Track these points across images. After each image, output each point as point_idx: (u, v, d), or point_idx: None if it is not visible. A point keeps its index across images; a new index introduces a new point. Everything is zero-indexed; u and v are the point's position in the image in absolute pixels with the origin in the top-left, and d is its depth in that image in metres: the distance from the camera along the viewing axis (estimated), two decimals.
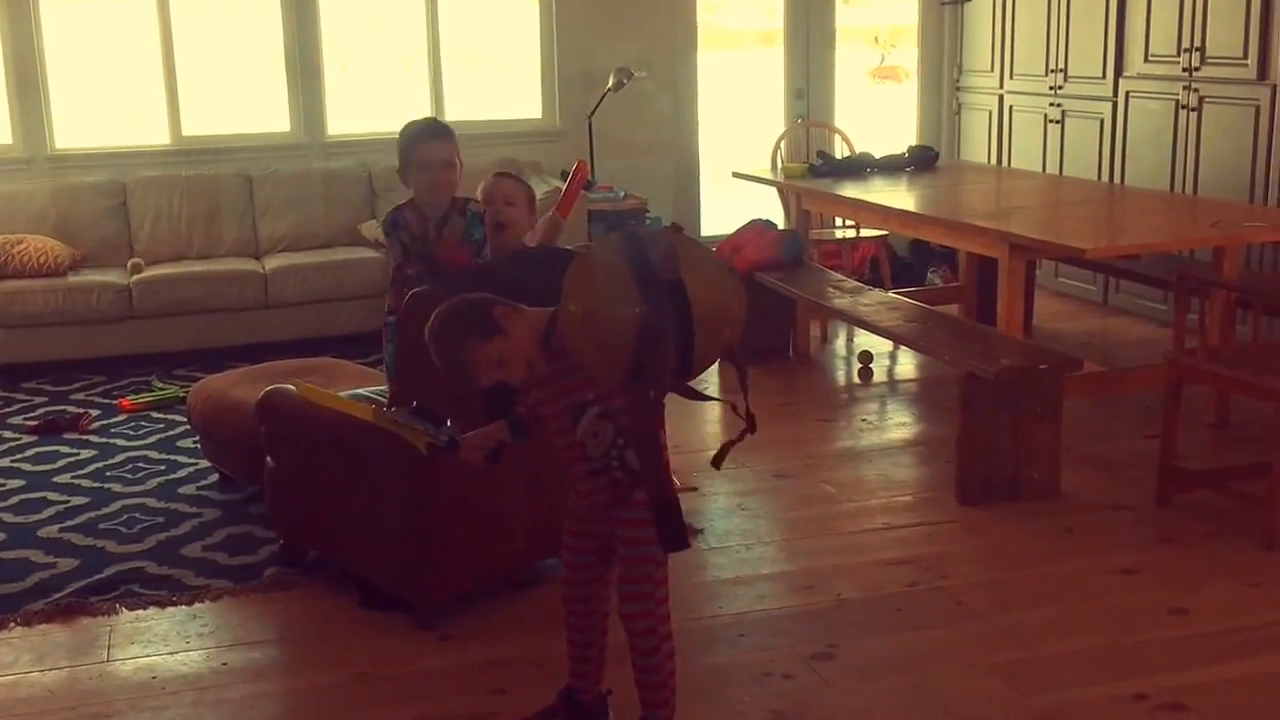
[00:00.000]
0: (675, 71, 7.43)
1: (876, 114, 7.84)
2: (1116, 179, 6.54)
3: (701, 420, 5.15)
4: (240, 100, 7.14)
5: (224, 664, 3.29)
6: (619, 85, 6.98)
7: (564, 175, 6.13)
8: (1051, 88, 6.96)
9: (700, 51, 7.54)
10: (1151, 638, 3.30)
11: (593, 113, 7.10)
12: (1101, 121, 6.64)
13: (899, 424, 5.22)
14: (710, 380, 5.30)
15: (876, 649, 3.29)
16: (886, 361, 6.06)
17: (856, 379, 5.83)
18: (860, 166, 6.23)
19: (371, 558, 3.54)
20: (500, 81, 7.42)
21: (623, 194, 6.90)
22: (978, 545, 3.90)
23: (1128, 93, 6.46)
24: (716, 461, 2.61)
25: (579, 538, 2.74)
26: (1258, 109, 5.66)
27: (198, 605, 3.61)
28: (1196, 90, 6.01)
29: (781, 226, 6.27)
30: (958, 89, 7.84)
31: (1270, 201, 5.57)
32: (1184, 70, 6.07)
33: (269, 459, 3.77)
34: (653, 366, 2.30)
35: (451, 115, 7.06)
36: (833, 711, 3.00)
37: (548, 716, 2.90)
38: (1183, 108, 6.11)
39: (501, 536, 3.51)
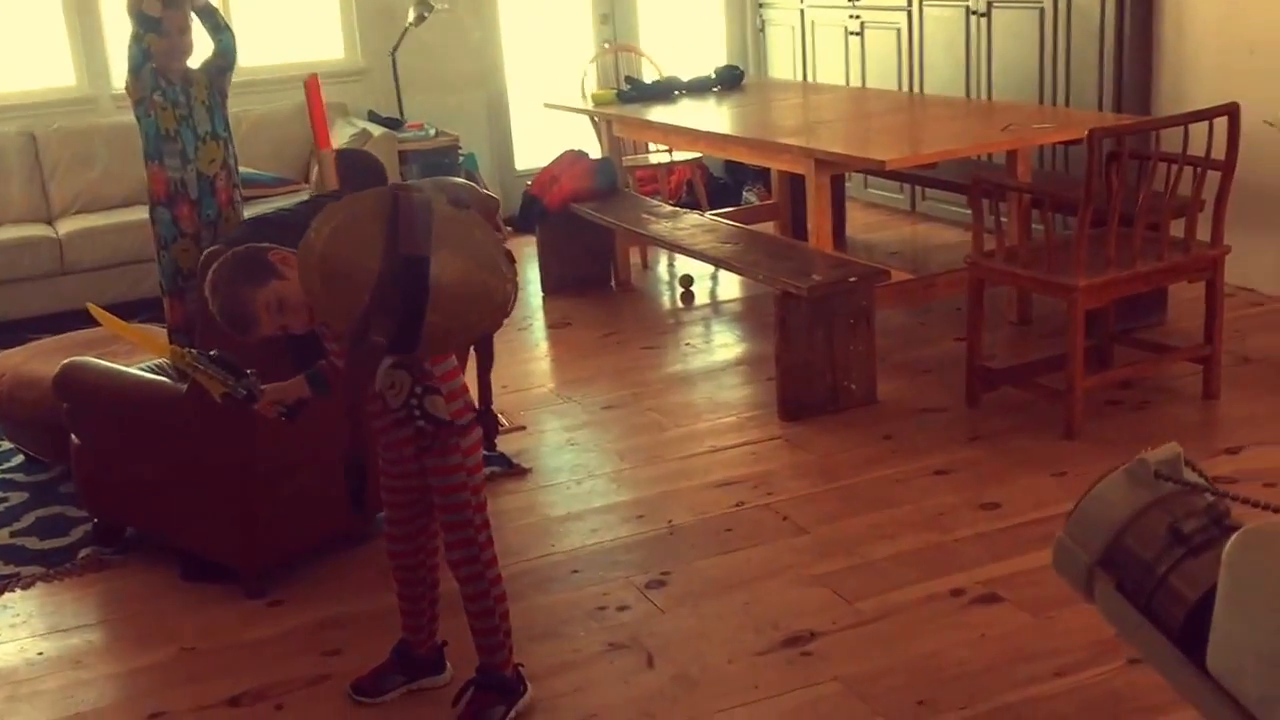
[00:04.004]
0: (476, 1, 7.27)
1: (683, 35, 7.80)
2: (916, 88, 6.67)
3: (530, 358, 5.12)
4: (19, 54, 6.72)
5: (40, 654, 3.16)
6: (420, 19, 6.80)
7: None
8: (850, 0, 7.04)
9: None
10: (966, 534, 3.43)
11: (395, 49, 6.91)
12: (899, 31, 6.75)
13: (722, 345, 5.28)
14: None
15: (708, 571, 3.34)
16: (708, 283, 6.11)
17: (680, 304, 5.87)
18: (668, 90, 6.21)
19: (191, 528, 3.43)
20: (297, 21, 7.14)
21: (433, 131, 6.76)
22: (801, 460, 3.98)
23: (922, 2, 6.57)
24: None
25: (394, 491, 2.70)
26: (1042, 12, 5.82)
27: (7, 595, 3.45)
28: None
29: (595, 155, 6.23)
30: (760, 6, 7.86)
31: (1059, 102, 5.76)
32: None
33: (73, 436, 3.61)
34: (378, 328, 2.27)
35: (249, 60, 6.77)
36: (667, 638, 3.04)
37: (384, 673, 2.88)
38: (973, 14, 6.24)
39: (328, 493, 3.43)
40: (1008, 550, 3.32)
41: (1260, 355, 4.54)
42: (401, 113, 6.96)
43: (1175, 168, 3.89)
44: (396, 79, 6.97)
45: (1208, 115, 3.85)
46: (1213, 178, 3.94)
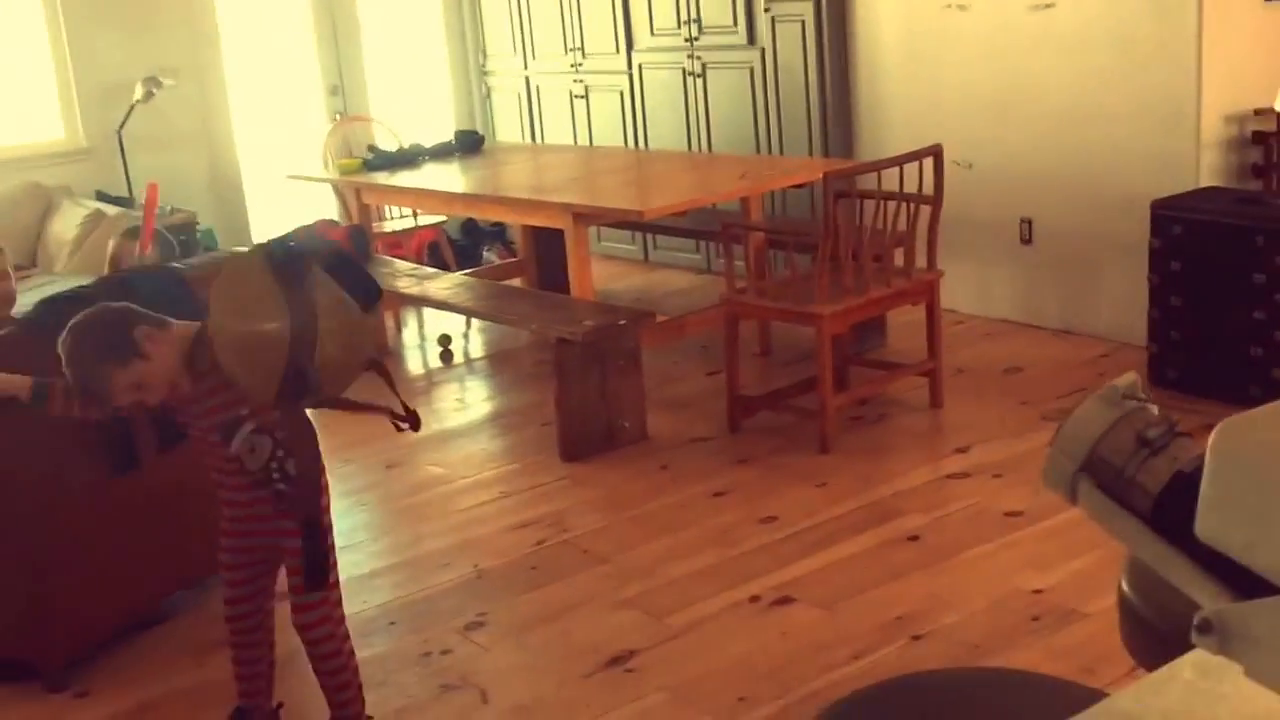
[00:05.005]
0: (204, 76, 7.16)
1: (413, 103, 7.92)
2: (641, 144, 7.03)
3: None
4: None
5: None
6: (148, 95, 6.65)
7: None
8: (573, 65, 7.36)
9: (229, 53, 7.30)
10: (752, 546, 3.70)
11: (122, 126, 6.72)
12: (621, 93, 7.10)
13: (489, 397, 5.41)
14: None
15: (522, 608, 3.47)
16: (462, 341, 6.23)
17: (438, 362, 5.96)
18: (413, 156, 6.33)
19: None
20: (12, 102, 6.83)
21: (169, 209, 6.60)
22: (589, 496, 4.17)
23: (640, 65, 6.95)
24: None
25: (239, 553, 2.71)
26: (752, 70, 6.29)
27: None
28: (699, 58, 6.58)
29: (342, 223, 6.26)
30: (484, 74, 8.08)
31: (774, 151, 6.23)
32: (686, 40, 6.61)
33: None
34: (306, 380, 2.32)
35: None
36: (496, 674, 3.15)
37: None
38: (689, 75, 6.66)
39: (124, 576, 3.35)
40: (792, 556, 3.61)
41: (970, 366, 5.06)
42: (130, 191, 6.77)
43: (893, 203, 4.33)
44: (124, 157, 6.78)
45: (918, 156, 4.31)
46: (923, 212, 4.40)
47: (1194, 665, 1.15)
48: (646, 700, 2.96)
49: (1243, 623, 0.82)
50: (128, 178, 6.77)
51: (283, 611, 2.75)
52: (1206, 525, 0.81)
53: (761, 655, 3.11)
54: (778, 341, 5.46)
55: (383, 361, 2.69)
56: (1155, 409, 0.89)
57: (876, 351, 5.23)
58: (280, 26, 7.54)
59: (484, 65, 8.08)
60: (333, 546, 2.69)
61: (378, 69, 7.82)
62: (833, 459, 4.27)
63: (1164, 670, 1.17)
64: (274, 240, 2.40)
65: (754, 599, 3.38)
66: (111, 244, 3.86)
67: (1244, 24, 4.68)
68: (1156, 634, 1.68)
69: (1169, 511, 0.83)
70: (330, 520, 2.68)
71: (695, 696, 2.95)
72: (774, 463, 4.29)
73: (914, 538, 3.66)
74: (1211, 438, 0.81)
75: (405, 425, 2.64)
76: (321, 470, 2.62)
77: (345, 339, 2.36)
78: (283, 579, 2.70)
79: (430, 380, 5.79)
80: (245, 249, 2.52)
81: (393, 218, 6.94)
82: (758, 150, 6.30)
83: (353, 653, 2.76)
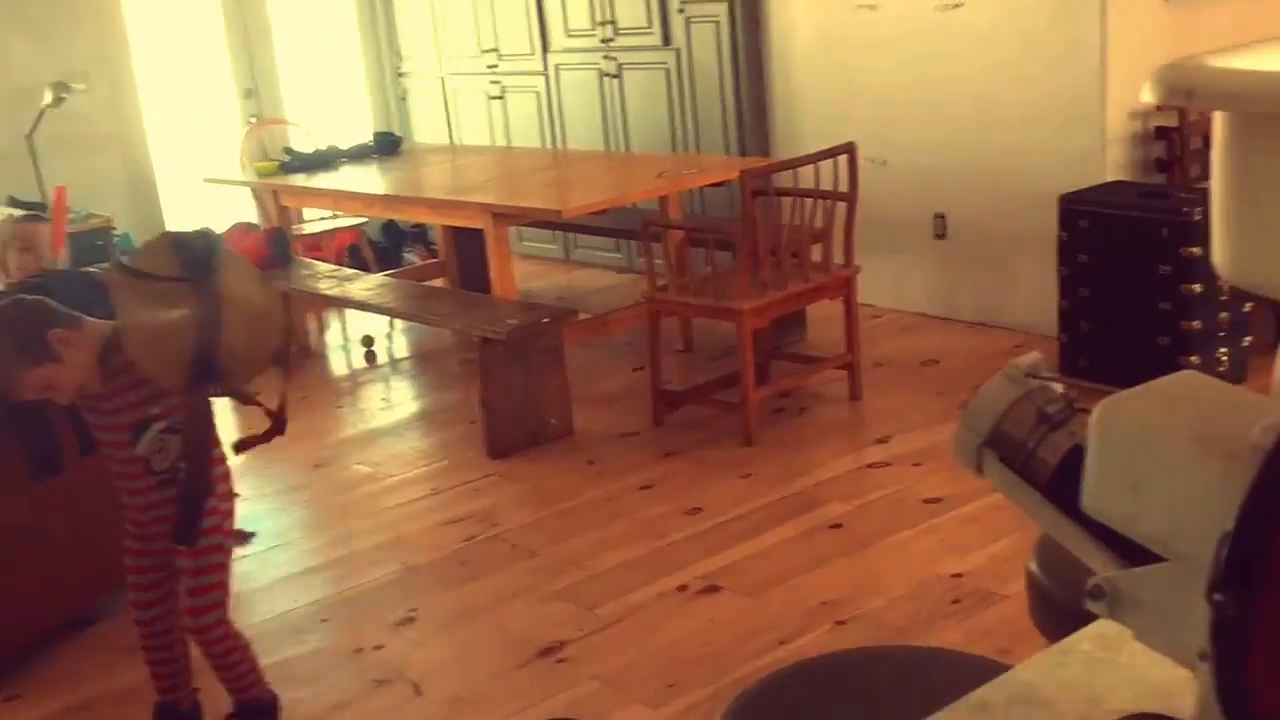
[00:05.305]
0: (115, 80, 7.04)
1: (329, 105, 7.85)
2: (559, 144, 7.05)
3: (223, 426, 5.04)
4: None
5: None
6: (58, 100, 6.51)
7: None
8: (489, 66, 7.35)
9: (140, 57, 7.18)
10: (679, 537, 3.74)
11: (32, 131, 6.58)
12: (538, 94, 7.11)
13: (413, 397, 5.40)
14: None
15: (453, 603, 3.48)
16: (386, 342, 6.20)
17: (363, 363, 5.93)
18: (330, 158, 6.28)
19: None
20: None
21: (85, 213, 6.48)
22: (518, 492, 4.18)
23: (557, 65, 6.96)
24: (239, 448, 2.68)
25: (143, 556, 2.69)
26: (668, 71, 6.34)
27: None
28: (615, 59, 6.61)
29: (261, 226, 6.20)
30: (400, 76, 8.04)
31: (690, 149, 6.28)
32: (602, 42, 6.64)
33: None
34: (212, 368, 2.34)
35: None
36: (429, 668, 3.15)
37: None
38: (606, 75, 6.69)
39: (53, 578, 3.32)
40: (718, 546, 3.65)
41: (887, 359, 5.15)
42: (43, 196, 6.62)
43: (809, 200, 4.39)
44: (35, 162, 6.64)
45: (832, 154, 4.38)
46: (839, 208, 4.48)
47: (1093, 638, 1.20)
48: (578, 689, 2.98)
49: (1130, 588, 0.87)
50: (40, 183, 6.63)
51: None
52: (1091, 499, 0.86)
53: (690, 643, 3.15)
54: (700, 337, 5.51)
55: (288, 357, 2.69)
56: (1058, 387, 0.94)
57: (797, 346, 5.30)
58: (191, 30, 7.44)
59: (399, 67, 8.04)
60: (229, 549, 2.69)
61: (292, 72, 7.74)
62: (756, 451, 4.32)
63: (1065, 642, 1.22)
64: (181, 231, 2.42)
65: (682, 588, 3.42)
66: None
67: (1146, 23, 4.83)
68: (1062, 610, 1.74)
69: (1065, 483, 0.88)
70: (228, 508, 2.66)
71: (626, 684, 2.99)
72: (699, 456, 4.34)
73: (837, 526, 3.72)
74: (1094, 415, 0.85)
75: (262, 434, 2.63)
76: (218, 455, 2.61)
77: (251, 330, 2.38)
78: None
79: (355, 381, 5.75)
80: (153, 240, 2.51)
81: (312, 220, 6.88)
82: (675, 149, 6.35)
83: (248, 644, 2.76)
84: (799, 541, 3.64)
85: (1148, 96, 0.70)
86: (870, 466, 4.13)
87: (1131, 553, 0.89)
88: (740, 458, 4.28)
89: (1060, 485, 0.89)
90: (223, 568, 2.66)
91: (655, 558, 3.62)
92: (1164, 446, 0.86)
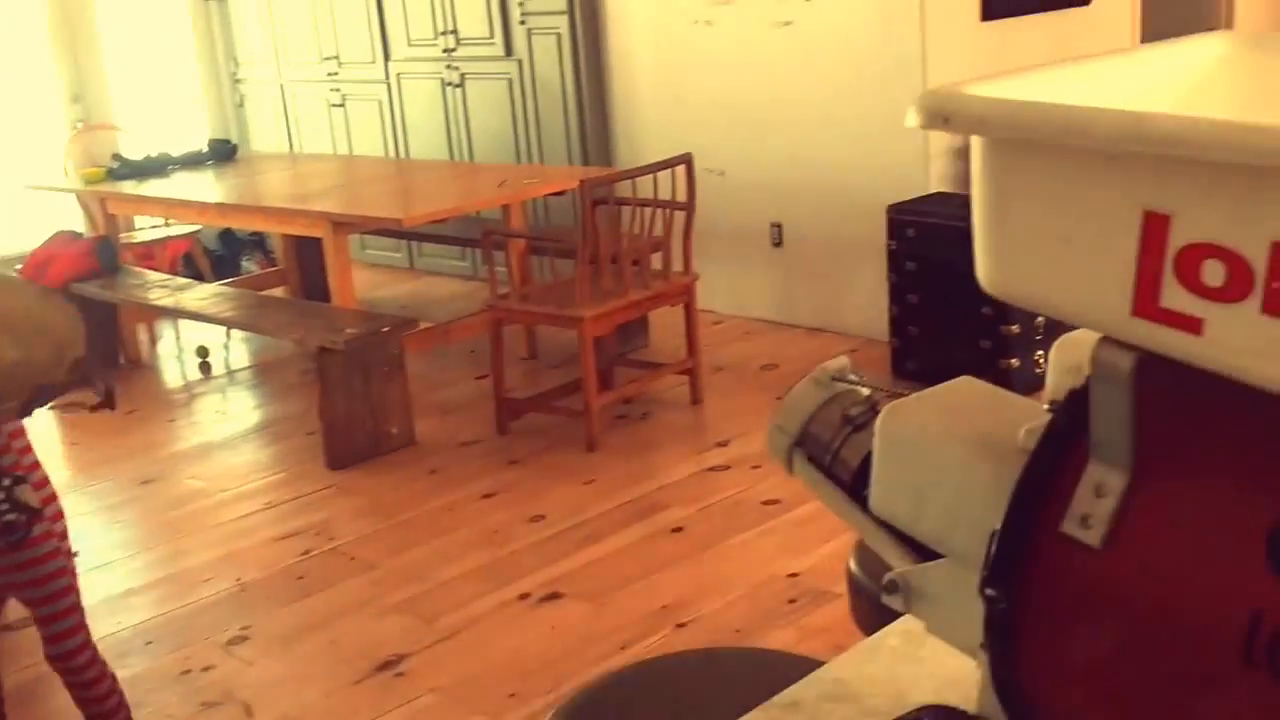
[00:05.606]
0: None
1: (162, 111, 7.60)
2: (402, 153, 6.96)
3: (47, 444, 4.83)
4: None
5: None
6: None
7: None
8: (329, 74, 7.21)
9: None
10: (521, 545, 3.72)
11: None
12: (380, 102, 7.01)
13: (250, 409, 5.26)
14: None
15: (288, 619, 3.39)
16: (222, 353, 6.03)
17: (197, 374, 5.75)
18: (162, 165, 6.08)
19: None
20: None
21: None
22: (356, 503, 4.10)
23: (398, 74, 6.88)
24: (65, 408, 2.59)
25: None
26: (510, 82, 6.32)
27: None
28: (458, 69, 6.56)
29: (86, 234, 5.97)
30: (237, 81, 7.84)
31: (534, 159, 6.27)
32: (444, 51, 6.58)
33: None
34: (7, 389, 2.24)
35: None
36: (261, 688, 3.07)
37: None
38: (448, 85, 6.64)
39: None
40: (559, 553, 3.64)
41: (728, 364, 5.22)
42: None
43: (649, 210, 4.43)
44: None
45: (670, 164, 4.42)
46: (678, 218, 4.52)
47: (899, 633, 1.24)
48: (417, 703, 2.94)
49: (921, 583, 0.90)
50: None
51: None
52: (876, 500, 0.89)
53: (531, 651, 3.13)
54: (544, 345, 5.50)
55: (96, 370, 2.59)
56: (866, 390, 0.97)
57: (640, 352, 5.33)
58: (13, 33, 7.12)
59: (236, 73, 7.83)
60: (75, 570, 2.56)
61: (122, 76, 7.47)
62: (599, 457, 4.33)
63: (874, 638, 1.25)
64: None
65: (523, 596, 3.40)
66: None
67: (964, 41, 5.00)
68: (879, 607, 1.79)
69: (866, 483, 0.90)
70: (62, 529, 2.55)
71: (466, 696, 2.95)
72: (542, 463, 4.32)
73: (678, 529, 3.75)
74: (878, 420, 0.88)
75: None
76: (40, 478, 2.51)
77: (26, 343, 2.29)
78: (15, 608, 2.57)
79: (190, 392, 5.58)
80: None
81: (144, 228, 6.65)
82: (518, 159, 6.33)
83: (113, 674, 2.64)
84: (641, 546, 3.66)
85: (910, 121, 0.72)
86: (711, 470, 4.18)
87: (924, 549, 0.92)
88: (583, 464, 4.28)
89: (862, 484, 0.92)
90: (72, 590, 2.53)
91: (497, 567, 3.59)
92: (941, 450, 0.88)
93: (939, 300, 4.58)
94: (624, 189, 4.45)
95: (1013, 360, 4.37)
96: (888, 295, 4.78)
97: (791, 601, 3.28)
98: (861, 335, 5.31)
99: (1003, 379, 4.36)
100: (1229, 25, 6.25)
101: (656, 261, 4.56)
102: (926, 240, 4.57)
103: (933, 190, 4.93)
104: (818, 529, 3.63)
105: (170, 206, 5.71)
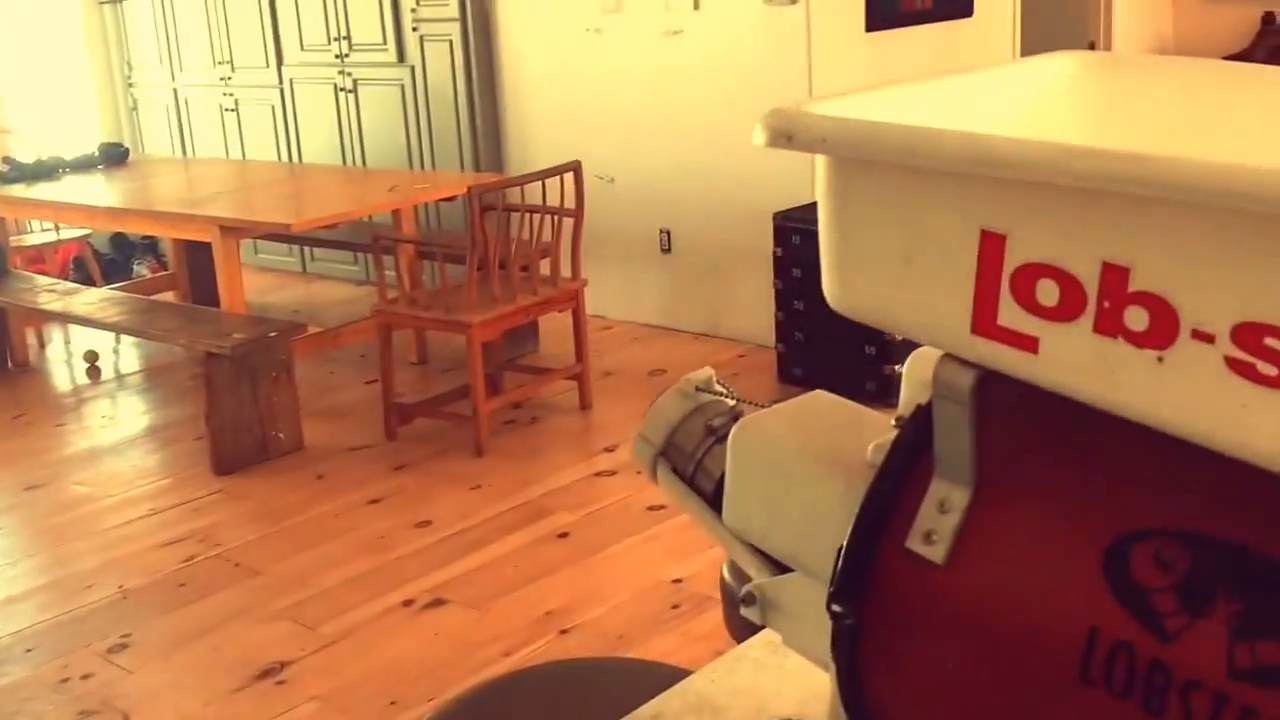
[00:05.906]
0: None
1: (54, 114, 7.33)
2: (295, 158, 6.81)
3: None
4: None
5: None
6: None
7: None
8: (222, 79, 7.03)
9: None
10: (406, 551, 3.64)
11: None
12: (273, 107, 6.85)
13: (139, 414, 5.08)
14: None
15: (170, 627, 3.27)
16: (112, 357, 5.82)
17: (86, 379, 5.55)
18: (52, 168, 5.85)
19: None
20: None
21: None
22: (243, 509, 3.98)
23: (291, 79, 6.72)
24: None
25: None
26: (403, 87, 6.22)
27: None
28: (350, 74, 6.43)
29: None
30: (130, 85, 7.60)
31: (427, 165, 6.18)
32: (337, 57, 6.45)
33: None
34: None
35: None
36: (139, 696, 2.95)
37: None
38: (341, 90, 6.51)
39: None
40: (444, 559, 3.57)
41: (617, 368, 5.19)
42: None
43: (538, 216, 4.38)
44: None
45: (559, 171, 4.38)
46: (567, 224, 4.48)
47: (763, 644, 1.21)
48: (297, 711, 2.85)
49: (776, 595, 0.88)
50: None
51: None
52: (730, 514, 0.87)
53: (413, 658, 3.06)
54: (434, 350, 5.41)
55: None
56: (730, 401, 0.95)
57: (530, 357, 5.27)
58: None
59: (129, 77, 7.59)
60: None
61: (12, 79, 7.20)
62: (488, 462, 4.27)
63: (738, 649, 1.22)
64: None
65: (407, 603, 3.33)
66: None
67: (847, 53, 5.04)
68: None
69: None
70: None
71: (347, 703, 2.87)
72: (430, 468, 4.24)
73: (564, 535, 3.70)
74: (731, 435, 0.86)
75: None
76: None
77: None
78: None
79: (78, 398, 5.37)
80: None
81: (34, 232, 6.41)
82: (410, 165, 6.23)
83: None
84: (526, 552, 3.61)
85: (756, 139, 0.70)
86: (598, 475, 4.14)
87: (780, 561, 0.89)
88: (471, 469, 4.21)
89: (722, 496, 0.89)
90: None
91: (381, 573, 3.51)
92: (791, 464, 0.86)
93: (824, 306, 4.56)
94: (514, 195, 4.40)
95: (896, 366, 4.41)
96: (774, 301, 4.79)
97: (675, 607, 3.25)
98: (749, 341, 5.32)
99: (886, 385, 4.40)
100: (1106, 40, 6.41)
101: (545, 267, 4.51)
102: (811, 247, 4.59)
103: (811, 198, 4.96)
104: (702, 535, 3.56)
105: (60, 210, 5.50)
